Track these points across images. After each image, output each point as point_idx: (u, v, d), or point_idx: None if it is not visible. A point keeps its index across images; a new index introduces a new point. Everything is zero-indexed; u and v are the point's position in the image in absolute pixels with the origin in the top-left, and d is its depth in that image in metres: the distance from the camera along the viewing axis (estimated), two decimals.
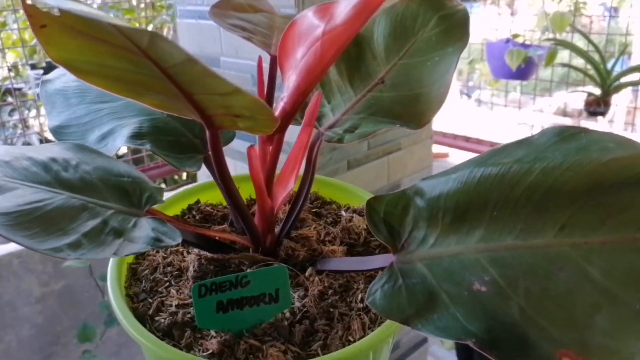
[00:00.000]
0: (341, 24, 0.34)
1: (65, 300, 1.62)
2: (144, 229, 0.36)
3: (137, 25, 1.94)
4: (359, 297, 0.40)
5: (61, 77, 0.51)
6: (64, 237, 0.31)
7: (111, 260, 0.41)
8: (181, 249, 0.44)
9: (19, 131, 1.82)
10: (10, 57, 2.02)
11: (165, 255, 0.43)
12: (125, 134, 0.44)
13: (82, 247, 0.32)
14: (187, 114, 0.34)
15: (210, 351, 0.35)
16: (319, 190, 0.53)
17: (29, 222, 0.31)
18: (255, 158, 0.37)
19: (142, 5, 2.00)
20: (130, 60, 0.28)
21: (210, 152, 0.36)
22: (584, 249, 0.32)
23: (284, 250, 0.43)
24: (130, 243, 0.34)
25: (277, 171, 0.43)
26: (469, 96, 3.06)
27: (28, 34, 1.96)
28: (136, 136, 0.44)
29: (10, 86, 1.82)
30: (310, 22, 0.35)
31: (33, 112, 1.89)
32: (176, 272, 0.41)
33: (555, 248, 0.33)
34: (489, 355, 0.32)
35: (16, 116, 1.81)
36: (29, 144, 1.88)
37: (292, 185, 0.41)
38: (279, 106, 0.39)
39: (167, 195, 0.50)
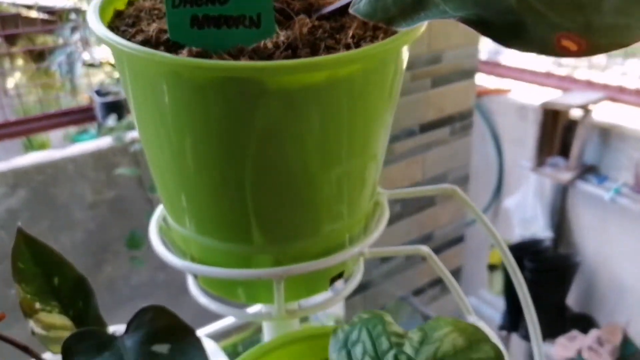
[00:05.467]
0: None
1: (116, 209, 1.68)
2: None
3: None
4: (350, 34, 0.36)
5: None
6: None
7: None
8: None
9: (80, 49, 1.88)
10: None
11: (154, 3, 0.41)
12: None
13: None
14: None
15: None
16: None
17: None
18: None
19: None
20: None
21: None
22: None
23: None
24: None
25: None
26: None
27: None
28: None
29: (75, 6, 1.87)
30: None
31: None
32: (162, 15, 0.39)
33: None
34: (482, 34, 0.28)
35: (77, 36, 1.87)
36: (91, 64, 1.95)
37: None
38: None
39: None
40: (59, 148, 1.59)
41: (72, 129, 2.10)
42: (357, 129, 0.38)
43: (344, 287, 0.50)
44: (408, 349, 0.30)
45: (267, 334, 0.53)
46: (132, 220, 1.70)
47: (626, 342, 1.81)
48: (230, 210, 0.40)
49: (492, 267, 1.98)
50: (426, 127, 1.53)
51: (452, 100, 1.59)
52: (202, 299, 0.50)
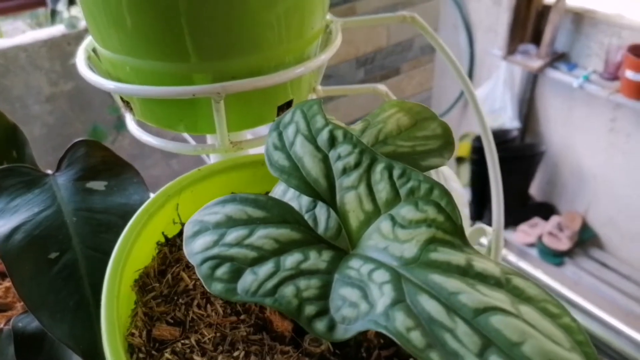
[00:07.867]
0: None
1: (76, 102, 1.61)
2: None
3: None
4: None
5: None
6: None
7: None
8: None
9: None
10: None
11: None
12: None
13: None
14: None
15: None
16: None
17: None
18: None
19: None
20: None
21: None
22: None
23: None
24: None
25: None
26: None
27: None
28: None
29: None
30: None
31: None
32: None
33: None
34: None
35: None
36: None
37: None
38: None
39: None
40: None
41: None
42: None
43: None
44: None
45: None
46: (93, 114, 1.64)
47: (585, 227, 1.88)
48: (163, 25, 0.38)
49: (459, 160, 2.00)
50: None
51: None
52: (145, 137, 0.48)
